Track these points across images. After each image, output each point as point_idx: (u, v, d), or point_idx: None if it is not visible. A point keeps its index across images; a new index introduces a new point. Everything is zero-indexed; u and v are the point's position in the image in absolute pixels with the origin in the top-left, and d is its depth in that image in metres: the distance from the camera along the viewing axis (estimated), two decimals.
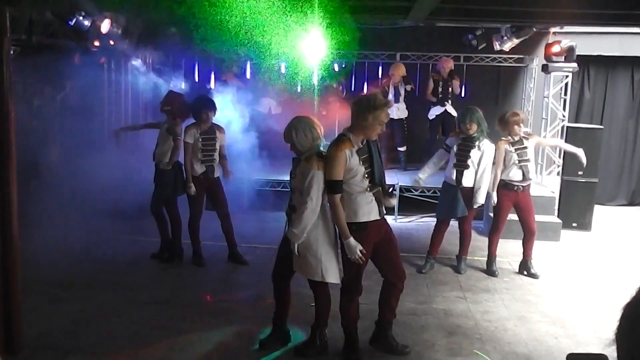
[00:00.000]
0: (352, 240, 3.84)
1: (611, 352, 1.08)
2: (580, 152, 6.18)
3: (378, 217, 3.97)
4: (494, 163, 5.90)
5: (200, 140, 5.85)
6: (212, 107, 5.91)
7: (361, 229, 3.89)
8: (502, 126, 5.95)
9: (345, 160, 3.84)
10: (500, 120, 5.99)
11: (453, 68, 9.17)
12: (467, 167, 5.85)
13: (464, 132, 5.86)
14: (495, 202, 5.99)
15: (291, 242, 3.91)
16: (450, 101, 9.10)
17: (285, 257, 4.12)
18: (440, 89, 9.11)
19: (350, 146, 3.87)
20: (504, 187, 5.95)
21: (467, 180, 5.87)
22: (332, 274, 3.97)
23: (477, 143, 5.82)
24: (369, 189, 3.92)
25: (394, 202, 4.09)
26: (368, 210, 3.92)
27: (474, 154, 5.83)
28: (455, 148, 5.90)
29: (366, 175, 3.90)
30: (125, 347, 4.26)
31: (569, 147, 6.55)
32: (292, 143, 4.01)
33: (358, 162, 3.87)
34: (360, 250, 3.84)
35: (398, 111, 9.12)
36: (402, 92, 9.16)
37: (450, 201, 5.94)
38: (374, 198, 3.94)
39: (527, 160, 5.91)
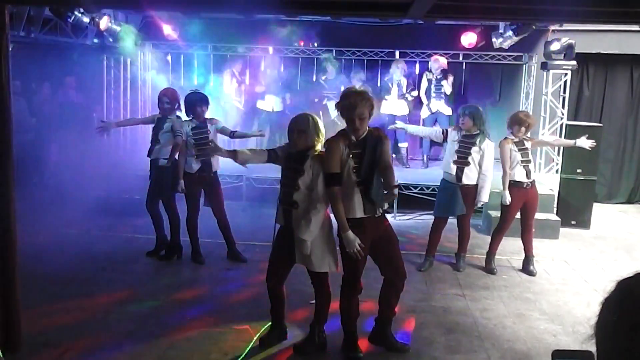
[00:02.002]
0: (350, 233, 3.84)
1: (590, 346, 1.08)
2: (581, 142, 6.25)
3: (363, 215, 3.92)
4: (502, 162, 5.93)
5: (192, 135, 5.82)
6: (205, 101, 5.92)
7: (356, 225, 3.88)
8: (514, 123, 5.93)
9: (341, 152, 3.86)
10: (514, 117, 5.98)
11: (446, 67, 9.14)
12: (467, 164, 5.85)
13: (461, 127, 5.87)
14: (509, 201, 5.92)
15: (304, 241, 3.88)
16: (443, 100, 9.08)
17: (281, 256, 4.13)
18: (432, 88, 9.09)
19: (346, 140, 3.88)
20: (513, 186, 5.94)
21: (467, 178, 5.87)
22: (333, 264, 4.05)
23: (477, 141, 5.83)
24: (356, 184, 3.90)
25: (385, 205, 4.07)
26: (354, 206, 3.89)
27: (475, 152, 5.83)
28: (456, 145, 5.90)
29: (354, 171, 3.89)
30: (124, 345, 4.25)
31: (569, 142, 6.61)
32: (311, 137, 3.97)
33: (350, 156, 3.88)
34: (359, 244, 3.84)
35: (400, 108, 9.11)
36: (404, 88, 9.12)
37: (449, 199, 5.94)
38: (361, 195, 3.91)
39: (529, 161, 5.97)
